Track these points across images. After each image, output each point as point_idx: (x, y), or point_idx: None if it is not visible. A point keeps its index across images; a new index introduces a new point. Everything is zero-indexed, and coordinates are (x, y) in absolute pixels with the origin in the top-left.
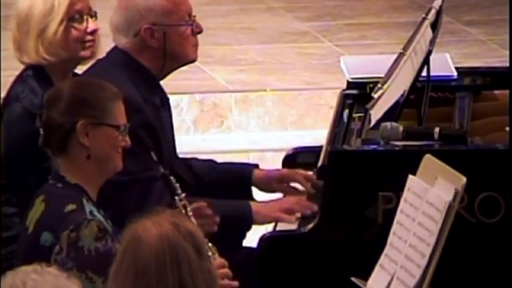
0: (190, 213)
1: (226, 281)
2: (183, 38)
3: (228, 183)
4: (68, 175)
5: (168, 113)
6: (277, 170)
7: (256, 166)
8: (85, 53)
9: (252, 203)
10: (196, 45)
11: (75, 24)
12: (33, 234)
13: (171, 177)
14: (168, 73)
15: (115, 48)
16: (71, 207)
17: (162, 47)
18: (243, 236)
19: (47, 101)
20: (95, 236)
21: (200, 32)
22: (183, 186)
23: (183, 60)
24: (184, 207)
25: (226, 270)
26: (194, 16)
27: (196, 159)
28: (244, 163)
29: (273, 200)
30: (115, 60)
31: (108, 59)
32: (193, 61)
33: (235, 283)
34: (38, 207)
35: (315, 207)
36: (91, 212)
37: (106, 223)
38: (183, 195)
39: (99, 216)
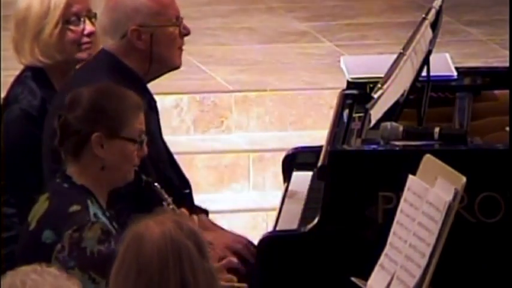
0: None
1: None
2: (170, 40)
3: None
4: (75, 176)
5: (156, 117)
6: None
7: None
8: (82, 55)
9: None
10: (181, 47)
11: (72, 27)
12: (35, 231)
13: (156, 184)
14: (153, 78)
15: (102, 50)
16: (75, 207)
17: (149, 49)
18: None
19: (67, 102)
20: (98, 239)
21: (187, 34)
22: (174, 192)
23: (167, 65)
24: (174, 211)
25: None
26: (182, 18)
27: None
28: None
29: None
30: (102, 63)
31: (95, 61)
32: (176, 68)
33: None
34: (42, 205)
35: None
36: (95, 214)
37: (111, 225)
38: (170, 199)
39: (103, 219)
